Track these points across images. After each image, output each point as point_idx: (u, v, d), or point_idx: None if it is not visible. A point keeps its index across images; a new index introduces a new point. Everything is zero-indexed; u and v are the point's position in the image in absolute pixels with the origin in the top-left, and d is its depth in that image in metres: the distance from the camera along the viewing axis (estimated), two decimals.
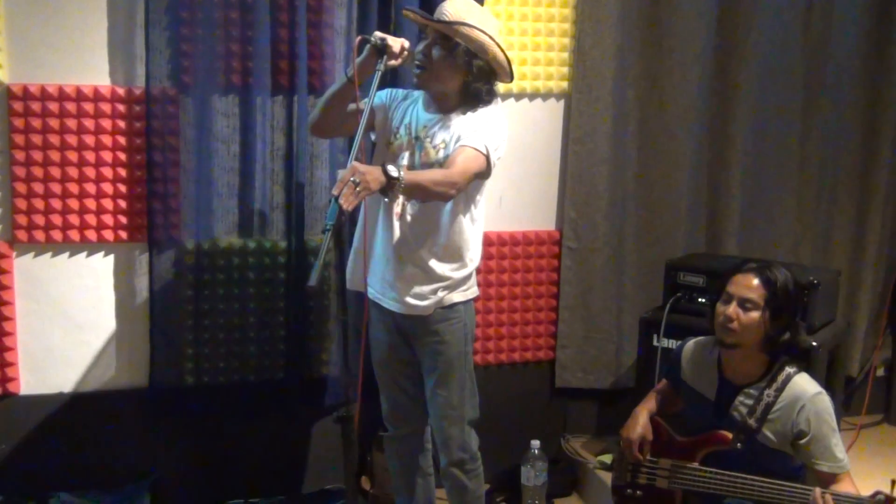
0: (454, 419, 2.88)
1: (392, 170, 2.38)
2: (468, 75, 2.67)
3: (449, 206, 2.72)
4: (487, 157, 2.63)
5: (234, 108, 3.26)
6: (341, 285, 2.55)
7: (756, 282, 2.62)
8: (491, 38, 2.66)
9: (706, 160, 3.86)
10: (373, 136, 2.90)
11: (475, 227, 2.82)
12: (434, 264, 2.76)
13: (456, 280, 2.80)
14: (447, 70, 2.67)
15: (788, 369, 2.66)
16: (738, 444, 2.64)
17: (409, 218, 2.75)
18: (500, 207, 3.60)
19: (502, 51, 2.69)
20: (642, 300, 3.80)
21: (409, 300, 2.78)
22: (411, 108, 2.81)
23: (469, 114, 2.71)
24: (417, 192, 2.55)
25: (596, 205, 3.72)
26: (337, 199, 2.27)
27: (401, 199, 2.73)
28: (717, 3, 3.73)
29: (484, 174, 2.67)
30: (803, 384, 2.63)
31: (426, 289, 2.77)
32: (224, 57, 3.21)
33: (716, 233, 3.93)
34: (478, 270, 2.92)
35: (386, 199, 2.64)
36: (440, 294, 2.78)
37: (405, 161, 2.74)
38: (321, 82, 3.30)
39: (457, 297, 2.82)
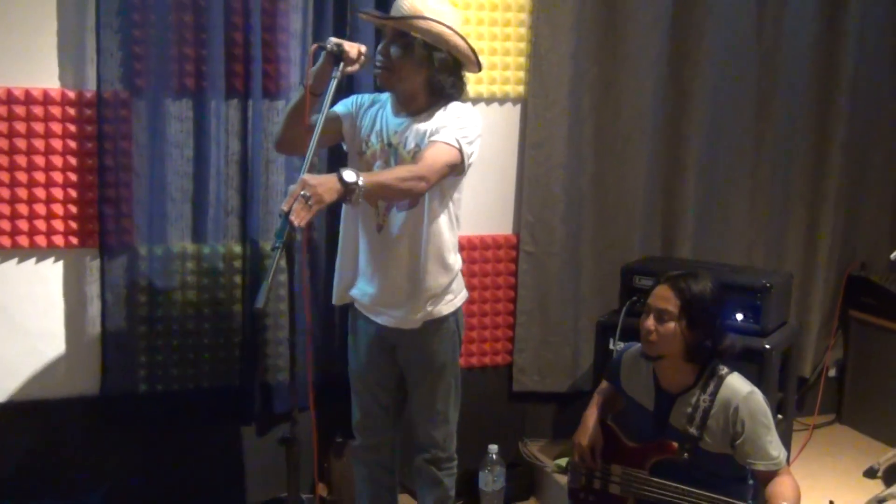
0: (439, 423, 2.88)
1: (348, 175, 2.31)
2: (431, 69, 2.62)
3: (428, 211, 2.67)
4: (460, 150, 2.57)
5: (188, 112, 3.21)
6: (291, 301, 2.46)
7: (670, 293, 2.63)
8: (449, 27, 2.61)
9: (661, 164, 3.90)
10: (344, 147, 2.85)
11: (455, 231, 2.78)
12: (419, 274, 2.71)
13: (442, 287, 2.75)
14: (408, 67, 2.62)
15: (720, 371, 2.67)
16: (685, 455, 2.65)
17: (390, 228, 2.71)
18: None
19: (464, 39, 2.65)
20: (598, 304, 3.82)
21: (396, 314, 2.75)
22: (380, 113, 2.75)
23: (439, 112, 2.66)
24: (382, 193, 2.50)
25: (553, 209, 3.73)
26: (287, 215, 2.20)
27: (380, 207, 2.70)
28: (671, 10, 3.77)
29: (458, 168, 2.61)
30: (735, 385, 2.65)
31: (413, 301, 2.72)
32: (177, 60, 3.17)
33: (671, 236, 3.97)
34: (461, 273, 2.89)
35: (349, 204, 2.58)
36: (428, 308, 2.74)
37: (378, 169, 2.67)
38: (276, 86, 3.27)
39: (445, 308, 2.78)
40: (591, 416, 2.89)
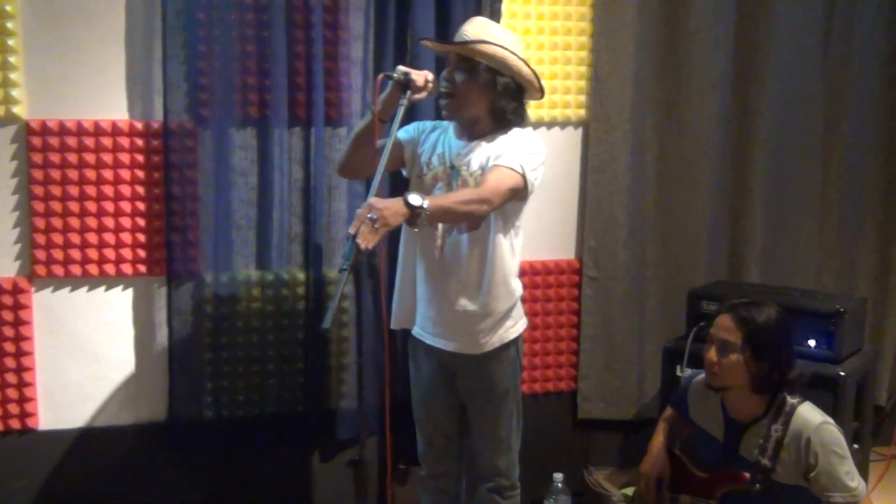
0: (501, 451, 2.84)
1: (414, 199, 2.33)
2: (494, 94, 2.62)
3: (490, 236, 2.66)
4: (523, 176, 2.56)
5: (252, 141, 3.26)
6: (359, 326, 2.48)
7: (732, 323, 2.56)
8: (512, 52, 2.61)
9: (726, 187, 3.83)
10: (404, 172, 2.86)
11: (516, 257, 2.76)
12: (479, 299, 2.69)
13: (503, 312, 2.72)
14: (472, 92, 2.62)
15: (791, 401, 2.57)
16: (757, 486, 2.57)
17: (450, 251, 2.69)
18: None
19: (527, 65, 2.64)
20: (664, 329, 3.75)
21: (457, 338, 2.73)
22: (442, 137, 2.76)
23: (502, 137, 2.66)
24: (446, 217, 2.50)
25: (616, 233, 3.69)
26: (354, 238, 2.22)
27: (440, 231, 2.70)
28: (734, 29, 3.71)
29: (520, 194, 2.60)
30: (806, 416, 2.55)
31: (473, 326, 2.70)
32: (241, 90, 3.22)
33: (738, 260, 3.89)
34: (523, 299, 2.85)
35: (415, 230, 2.59)
36: (488, 336, 2.71)
37: (440, 192, 2.68)
38: (338, 114, 3.30)
39: (506, 335, 2.75)
40: (658, 444, 2.83)
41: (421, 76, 2.58)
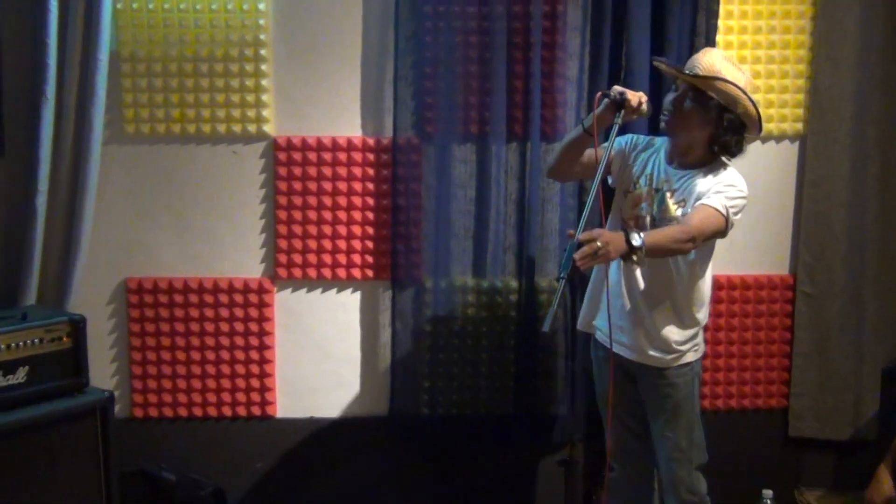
0: (682, 462, 2.87)
1: (635, 238, 2.45)
2: (718, 128, 2.71)
3: (684, 263, 2.76)
4: (727, 219, 2.64)
5: (472, 156, 3.45)
6: (571, 328, 2.62)
7: None
8: (743, 91, 2.68)
9: None
10: (610, 181, 2.95)
11: (707, 284, 2.84)
12: (669, 316, 2.79)
13: (689, 335, 2.81)
14: (697, 121, 2.71)
15: None
16: None
17: (647, 268, 2.78)
18: (731, 250, 3.56)
19: (753, 104, 2.70)
20: (884, 349, 3.61)
21: (643, 350, 2.82)
22: (653, 158, 2.85)
23: (711, 176, 2.73)
24: (658, 253, 2.60)
25: (833, 249, 3.60)
26: (574, 247, 2.36)
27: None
28: None
29: (720, 234, 2.69)
30: None
31: (660, 341, 2.80)
32: (463, 108, 3.41)
33: None
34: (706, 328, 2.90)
35: (624, 263, 2.69)
36: (673, 353, 2.80)
37: (643, 212, 2.78)
38: (553, 130, 3.43)
39: (685, 357, 2.83)
40: (886, 472, 2.74)
41: (636, 97, 2.66)
